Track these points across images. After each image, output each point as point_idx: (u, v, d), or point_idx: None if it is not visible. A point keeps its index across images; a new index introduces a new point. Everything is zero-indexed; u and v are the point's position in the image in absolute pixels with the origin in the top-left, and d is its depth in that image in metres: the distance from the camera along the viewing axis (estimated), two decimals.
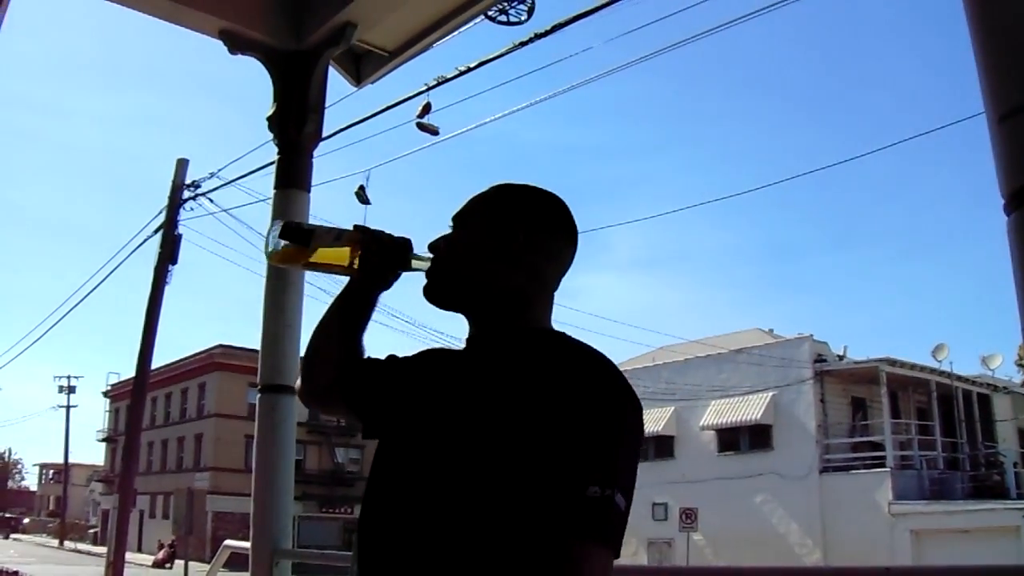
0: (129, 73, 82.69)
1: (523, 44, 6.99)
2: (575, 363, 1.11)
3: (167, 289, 13.80)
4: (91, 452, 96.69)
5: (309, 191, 3.08)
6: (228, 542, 3.56)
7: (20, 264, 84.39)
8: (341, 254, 1.38)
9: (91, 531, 45.07)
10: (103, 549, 25.97)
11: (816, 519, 21.70)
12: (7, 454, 75.06)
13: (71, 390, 47.45)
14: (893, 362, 22.50)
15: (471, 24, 3.93)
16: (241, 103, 70.21)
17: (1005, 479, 21.85)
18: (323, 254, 1.39)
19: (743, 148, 57.40)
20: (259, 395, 2.93)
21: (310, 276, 3.76)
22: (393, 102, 8.57)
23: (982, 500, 19.95)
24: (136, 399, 14.27)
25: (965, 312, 55.37)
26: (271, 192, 3.08)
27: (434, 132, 8.69)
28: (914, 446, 22.18)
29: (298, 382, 1.49)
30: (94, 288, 18.02)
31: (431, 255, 1.31)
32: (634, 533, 20.41)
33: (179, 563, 26.25)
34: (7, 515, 55.54)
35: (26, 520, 58.27)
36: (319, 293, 4.71)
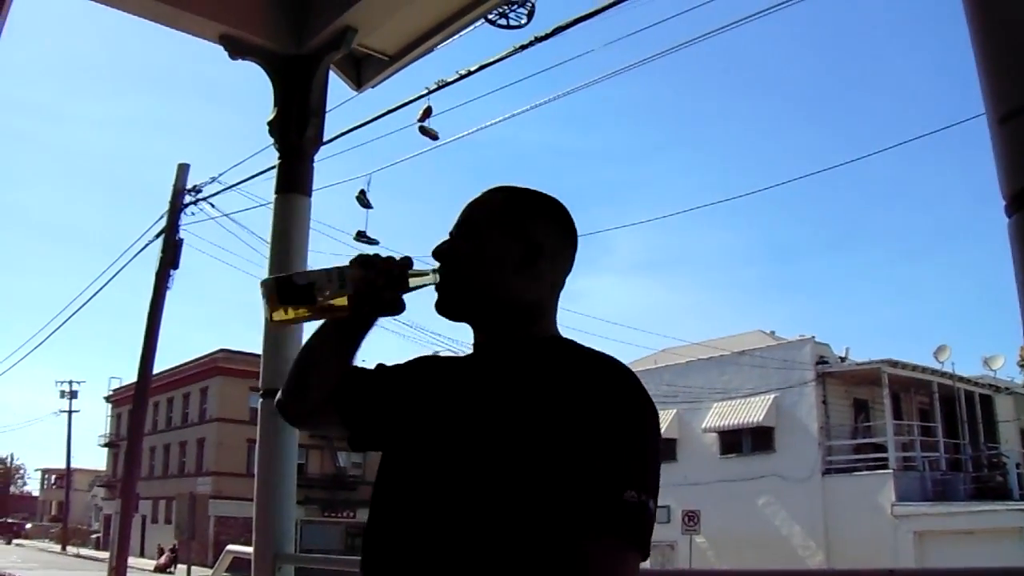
0: (130, 78, 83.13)
1: (523, 47, 7.01)
2: (600, 370, 1.11)
3: (169, 293, 13.87)
4: (93, 457, 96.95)
5: (310, 195, 3.07)
6: (230, 547, 3.57)
7: (22, 268, 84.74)
8: (345, 297, 1.28)
9: (93, 536, 45.02)
10: (106, 554, 25.92)
11: (819, 521, 21.65)
12: (9, 459, 75.25)
13: (73, 395, 47.43)
14: (895, 363, 22.45)
15: (471, 28, 3.94)
16: (242, 108, 70.42)
17: (1008, 480, 21.83)
18: (328, 303, 1.28)
19: (744, 150, 57.60)
20: (261, 399, 2.91)
21: None
22: (394, 106, 8.61)
23: (985, 501, 19.90)
24: (138, 404, 14.29)
25: (967, 313, 55.49)
26: (272, 196, 3.07)
27: (434, 137, 8.70)
28: (916, 447, 22.13)
29: (280, 398, 1.40)
30: (96, 293, 18.14)
31: (430, 268, 1.26)
32: None
33: (181, 568, 26.28)
34: (9, 520, 55.65)
35: (28, 525, 58.26)
36: None
